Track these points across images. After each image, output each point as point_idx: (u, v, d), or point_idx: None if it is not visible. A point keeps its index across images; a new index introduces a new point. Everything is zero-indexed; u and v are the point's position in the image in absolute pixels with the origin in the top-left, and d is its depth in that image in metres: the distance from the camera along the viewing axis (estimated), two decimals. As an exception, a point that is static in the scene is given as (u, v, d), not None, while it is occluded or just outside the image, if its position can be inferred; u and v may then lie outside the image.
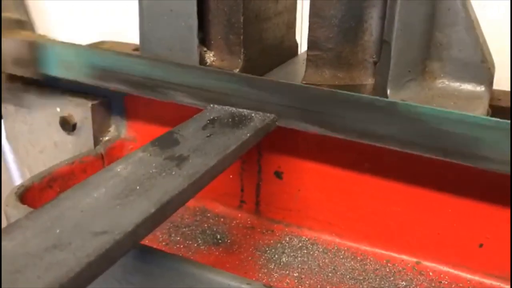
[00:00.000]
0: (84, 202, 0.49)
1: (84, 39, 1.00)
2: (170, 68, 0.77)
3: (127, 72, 0.80)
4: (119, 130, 0.96)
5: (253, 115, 0.72)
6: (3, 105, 1.02)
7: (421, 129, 0.63)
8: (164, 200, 0.50)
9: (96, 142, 0.94)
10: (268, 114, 0.72)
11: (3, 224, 0.72)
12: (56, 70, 0.86)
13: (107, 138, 0.95)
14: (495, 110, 0.74)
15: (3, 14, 0.90)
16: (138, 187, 0.52)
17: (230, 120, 0.70)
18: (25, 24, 0.94)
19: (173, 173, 0.55)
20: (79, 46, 0.85)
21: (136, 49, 1.01)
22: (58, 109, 0.94)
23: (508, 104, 0.80)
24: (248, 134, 0.66)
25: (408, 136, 0.65)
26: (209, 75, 0.75)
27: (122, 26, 1.34)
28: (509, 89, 0.85)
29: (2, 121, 1.05)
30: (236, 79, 0.73)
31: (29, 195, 0.76)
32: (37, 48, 0.85)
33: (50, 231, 0.44)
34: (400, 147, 0.66)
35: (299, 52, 1.03)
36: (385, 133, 0.66)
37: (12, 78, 0.93)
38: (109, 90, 0.84)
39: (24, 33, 0.90)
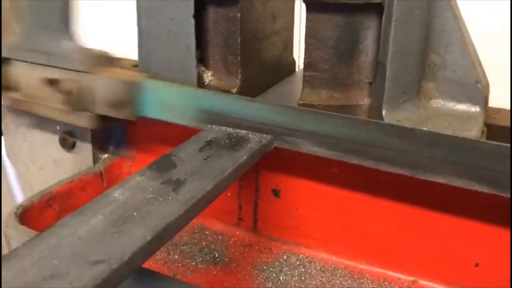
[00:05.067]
0: (81, 229, 0.50)
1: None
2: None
3: (239, 117, 0.74)
4: (118, 148, 0.96)
5: (250, 136, 0.73)
6: (3, 122, 1.03)
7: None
8: (160, 227, 0.50)
9: (95, 160, 0.94)
10: (265, 135, 0.72)
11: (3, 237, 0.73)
12: (157, 112, 0.80)
13: (106, 156, 0.96)
14: (490, 129, 0.75)
15: (89, 51, 0.83)
16: (135, 213, 0.52)
17: (227, 141, 0.71)
18: (111, 59, 0.85)
19: (170, 198, 0.56)
20: (184, 87, 0.79)
21: (136, 65, 1.02)
22: (58, 127, 0.95)
23: (504, 123, 0.81)
24: (245, 157, 0.66)
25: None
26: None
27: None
28: (503, 107, 0.85)
29: (3, 137, 1.06)
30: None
31: (29, 215, 0.77)
32: (135, 89, 0.79)
33: (48, 260, 0.45)
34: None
35: (296, 69, 1.04)
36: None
37: (103, 118, 0.85)
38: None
39: (118, 71, 0.83)
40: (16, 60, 0.88)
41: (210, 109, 0.76)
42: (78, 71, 0.81)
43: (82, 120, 0.84)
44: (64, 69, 0.83)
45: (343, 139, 0.68)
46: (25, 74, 0.88)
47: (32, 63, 0.86)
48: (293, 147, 0.72)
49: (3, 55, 0.88)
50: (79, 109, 0.82)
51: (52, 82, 0.84)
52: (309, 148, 0.71)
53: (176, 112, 0.78)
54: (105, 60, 0.84)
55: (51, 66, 0.84)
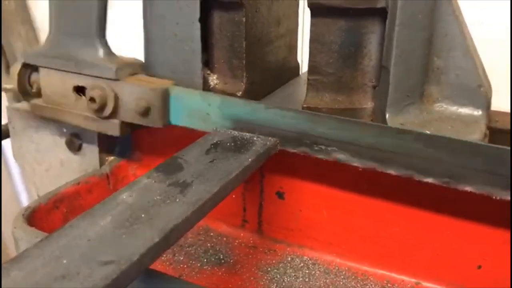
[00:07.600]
0: (91, 231, 0.51)
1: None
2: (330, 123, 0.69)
3: (277, 127, 0.72)
4: (124, 150, 0.97)
5: (255, 138, 0.73)
6: (10, 124, 1.04)
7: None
8: (167, 229, 0.51)
9: (102, 162, 0.95)
10: (270, 138, 0.73)
11: (4, 239, 0.74)
12: (187, 120, 0.79)
13: (112, 158, 0.97)
14: (493, 132, 0.76)
15: (119, 59, 0.83)
16: (143, 215, 0.53)
17: (232, 144, 0.72)
18: (140, 66, 0.85)
19: (177, 200, 0.57)
20: (216, 95, 0.77)
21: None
22: (65, 130, 0.96)
23: (506, 126, 0.81)
24: (250, 159, 0.67)
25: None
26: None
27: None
28: (505, 110, 0.86)
29: (10, 139, 1.07)
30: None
31: (36, 217, 0.78)
32: (163, 96, 0.78)
33: (59, 261, 0.46)
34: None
35: (300, 72, 1.05)
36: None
37: (131, 126, 0.83)
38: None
39: (146, 78, 0.82)
40: (40, 66, 0.87)
41: (241, 117, 0.75)
42: (107, 78, 0.80)
43: (110, 128, 0.84)
44: (93, 76, 0.82)
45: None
46: (50, 81, 0.87)
47: (58, 70, 0.85)
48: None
49: (26, 61, 0.89)
50: (107, 117, 0.82)
51: (80, 90, 0.84)
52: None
53: (204, 119, 0.77)
54: (135, 68, 0.84)
55: (80, 73, 0.83)
